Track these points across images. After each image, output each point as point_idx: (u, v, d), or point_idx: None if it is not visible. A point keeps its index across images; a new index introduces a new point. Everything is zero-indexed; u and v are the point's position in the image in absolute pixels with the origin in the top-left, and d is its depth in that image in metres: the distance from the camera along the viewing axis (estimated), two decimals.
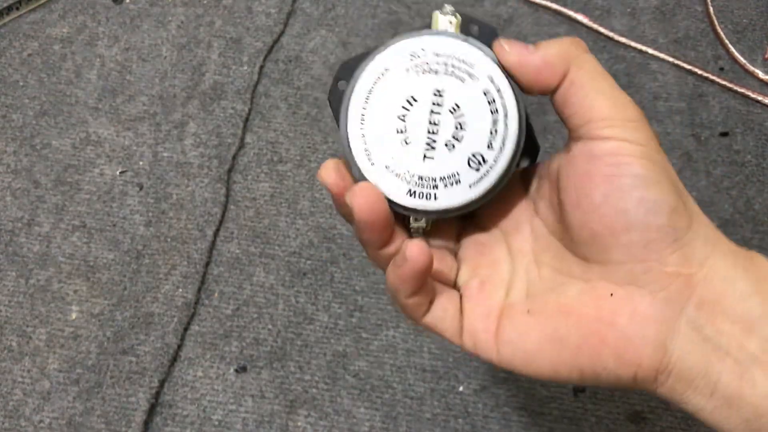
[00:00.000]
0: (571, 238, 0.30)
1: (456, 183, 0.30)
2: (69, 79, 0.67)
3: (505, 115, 0.30)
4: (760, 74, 0.68)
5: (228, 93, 0.66)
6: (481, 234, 0.34)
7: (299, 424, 0.53)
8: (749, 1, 0.71)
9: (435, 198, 0.30)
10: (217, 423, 0.53)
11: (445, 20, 0.31)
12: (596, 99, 0.29)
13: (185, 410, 0.54)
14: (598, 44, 0.69)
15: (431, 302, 0.32)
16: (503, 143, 0.30)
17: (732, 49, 0.69)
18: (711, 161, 0.64)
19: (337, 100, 0.31)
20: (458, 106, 0.30)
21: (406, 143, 0.30)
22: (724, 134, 0.65)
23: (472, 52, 0.30)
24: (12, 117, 0.65)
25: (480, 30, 0.31)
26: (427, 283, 0.31)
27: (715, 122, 0.66)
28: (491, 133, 0.30)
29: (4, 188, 0.62)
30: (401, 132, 0.30)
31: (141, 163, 0.63)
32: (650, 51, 0.69)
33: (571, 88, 0.29)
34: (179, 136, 0.64)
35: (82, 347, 0.56)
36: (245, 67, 0.68)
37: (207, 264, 0.59)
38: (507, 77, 0.30)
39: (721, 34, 0.70)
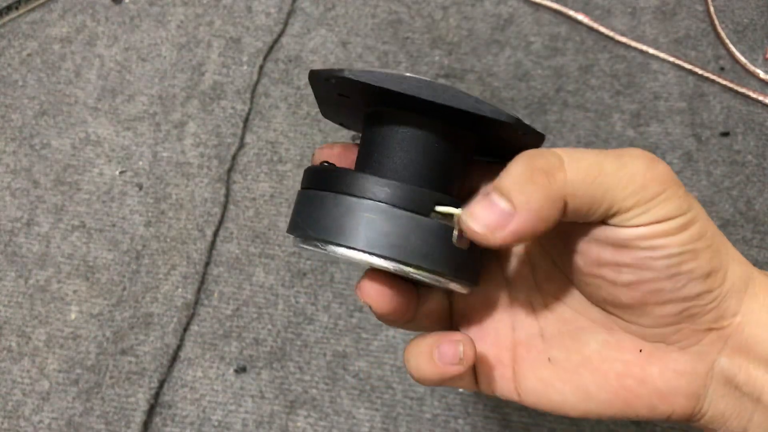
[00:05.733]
0: (588, 298, 0.28)
1: None
2: (68, 78, 0.67)
3: None
4: (761, 74, 0.67)
5: (228, 93, 0.66)
6: None
7: (299, 424, 0.53)
8: (750, 1, 0.71)
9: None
10: (216, 423, 0.53)
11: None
12: (610, 190, 0.24)
13: (185, 411, 0.54)
14: (599, 44, 0.69)
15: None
16: None
17: (733, 48, 0.69)
18: (712, 161, 0.64)
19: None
20: None
21: None
22: (725, 134, 0.65)
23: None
24: (11, 117, 0.65)
25: None
26: None
27: (715, 122, 0.66)
28: None
29: (3, 188, 0.62)
30: None
31: (140, 163, 0.63)
32: (651, 51, 0.68)
33: (580, 189, 0.25)
34: (179, 136, 0.64)
35: (81, 347, 0.55)
36: (245, 67, 0.67)
37: (207, 264, 0.59)
38: None
39: (722, 33, 0.69)
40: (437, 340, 0.28)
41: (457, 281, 0.27)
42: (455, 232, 0.26)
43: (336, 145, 0.32)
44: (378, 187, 0.26)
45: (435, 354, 0.27)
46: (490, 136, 0.29)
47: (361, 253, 0.26)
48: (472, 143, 0.30)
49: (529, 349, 0.30)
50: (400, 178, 0.28)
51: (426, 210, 0.26)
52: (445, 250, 0.26)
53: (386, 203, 0.26)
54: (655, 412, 0.28)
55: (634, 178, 0.24)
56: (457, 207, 0.26)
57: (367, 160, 0.29)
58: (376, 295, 0.28)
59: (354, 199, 0.26)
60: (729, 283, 0.26)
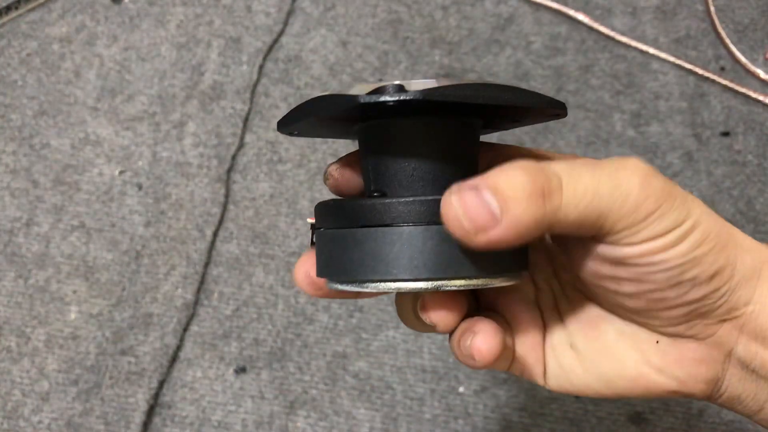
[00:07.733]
0: (597, 304, 0.29)
1: None
2: (68, 78, 0.67)
3: None
4: (761, 74, 0.67)
5: (227, 93, 0.66)
6: None
7: (299, 424, 0.53)
8: (750, 1, 0.71)
9: None
10: (216, 424, 0.53)
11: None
12: (603, 214, 0.24)
13: (184, 411, 0.54)
14: (599, 44, 0.69)
15: None
16: None
17: (733, 48, 0.69)
18: (712, 161, 0.64)
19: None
20: None
21: None
22: (726, 134, 0.65)
23: None
24: (11, 117, 0.65)
25: None
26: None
27: (716, 122, 0.65)
28: None
29: (2, 188, 0.62)
30: None
31: (140, 163, 0.63)
32: (651, 50, 0.68)
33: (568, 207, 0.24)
34: (178, 135, 0.64)
35: (81, 348, 0.55)
36: (245, 67, 0.67)
37: (206, 264, 0.59)
38: None
39: (722, 33, 0.69)
40: (469, 328, 0.27)
41: (505, 276, 0.26)
42: None
43: (342, 161, 0.31)
44: (403, 208, 0.25)
45: (467, 340, 0.27)
46: (503, 114, 0.28)
47: (403, 282, 0.25)
48: (480, 126, 0.29)
49: (552, 334, 0.30)
50: (424, 191, 0.27)
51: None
52: (489, 253, 0.24)
53: (417, 224, 0.24)
54: (674, 396, 0.29)
55: (627, 199, 0.24)
56: None
57: (382, 179, 0.28)
58: (442, 317, 0.27)
59: (383, 230, 0.25)
60: (738, 276, 0.26)
